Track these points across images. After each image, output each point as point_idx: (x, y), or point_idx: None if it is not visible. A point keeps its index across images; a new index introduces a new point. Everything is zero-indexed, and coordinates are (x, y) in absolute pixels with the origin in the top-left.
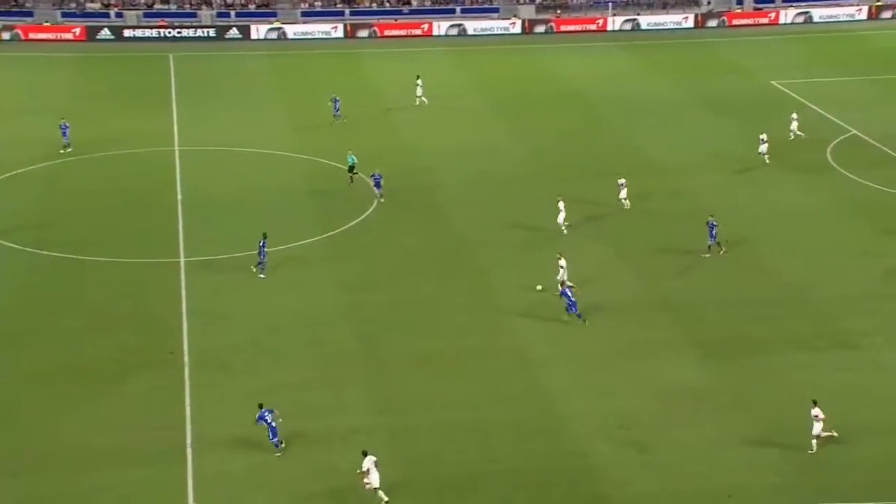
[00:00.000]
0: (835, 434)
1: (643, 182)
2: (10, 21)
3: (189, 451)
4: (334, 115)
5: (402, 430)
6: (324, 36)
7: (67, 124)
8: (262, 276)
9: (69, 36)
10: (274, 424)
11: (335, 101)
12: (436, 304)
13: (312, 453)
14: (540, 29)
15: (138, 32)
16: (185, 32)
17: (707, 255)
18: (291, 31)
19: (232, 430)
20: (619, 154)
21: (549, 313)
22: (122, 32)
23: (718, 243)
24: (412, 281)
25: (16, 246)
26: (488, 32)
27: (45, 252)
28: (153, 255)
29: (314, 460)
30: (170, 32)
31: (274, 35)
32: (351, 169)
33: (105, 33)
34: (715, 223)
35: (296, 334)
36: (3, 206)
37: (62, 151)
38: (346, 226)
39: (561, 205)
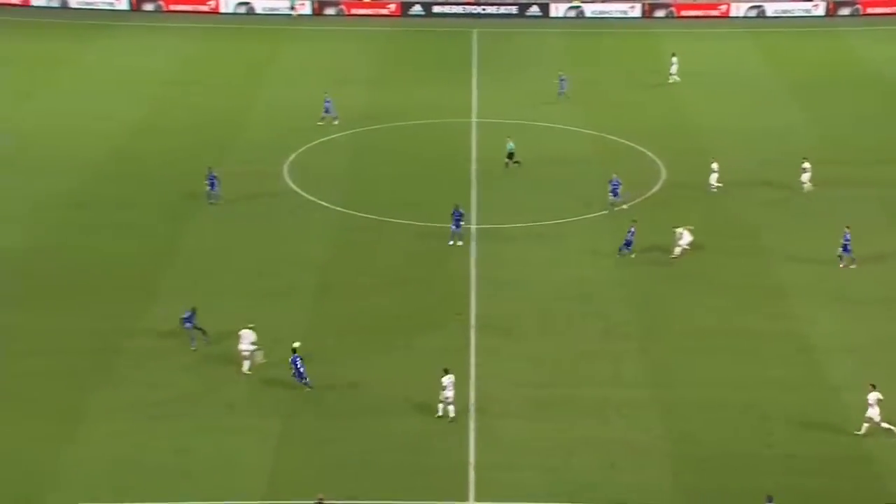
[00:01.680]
0: None
1: None
2: None
3: (471, 410)
4: (559, 94)
5: (675, 405)
6: (621, 15)
7: (330, 99)
8: (459, 242)
9: (385, 11)
10: (302, 370)
11: (561, 80)
12: (712, 281)
13: (585, 421)
14: (845, 11)
15: (446, 9)
16: (488, 9)
17: None
18: (589, 9)
19: (513, 392)
20: None
21: (834, 296)
22: (431, 8)
23: None
24: (692, 256)
25: (330, 206)
26: (788, 14)
27: (352, 212)
28: (447, 221)
29: (585, 427)
30: (475, 9)
31: (573, 14)
32: (510, 156)
33: (417, 9)
34: None
35: (577, 305)
36: (320, 168)
37: (319, 123)
38: (634, 202)
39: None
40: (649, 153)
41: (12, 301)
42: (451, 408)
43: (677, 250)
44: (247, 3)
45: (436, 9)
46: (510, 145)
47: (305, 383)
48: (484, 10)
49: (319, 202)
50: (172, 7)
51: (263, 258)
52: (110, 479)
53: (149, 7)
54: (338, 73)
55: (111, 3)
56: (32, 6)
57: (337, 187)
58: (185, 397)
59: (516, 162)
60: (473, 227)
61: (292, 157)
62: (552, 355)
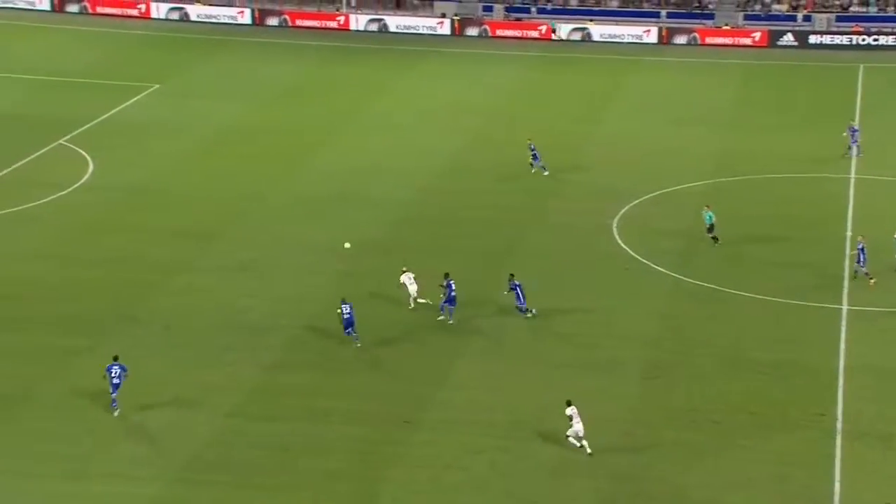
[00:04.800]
0: None
1: None
2: (689, 24)
3: None
4: (849, 148)
5: None
6: None
7: (534, 146)
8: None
9: (747, 41)
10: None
11: (852, 130)
12: None
13: None
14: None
15: (825, 38)
16: (881, 39)
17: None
18: None
19: None
20: None
21: None
22: (807, 38)
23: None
24: None
25: (665, 270)
26: None
27: (690, 280)
28: (808, 297)
29: None
30: (863, 39)
31: None
32: (710, 229)
33: (788, 39)
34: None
35: None
36: (656, 223)
37: (533, 171)
38: None
39: None
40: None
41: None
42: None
43: None
44: (583, 29)
45: (812, 38)
46: (709, 216)
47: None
48: (876, 40)
49: (653, 266)
50: (499, 33)
51: (582, 325)
52: None
53: (472, 32)
54: (683, 111)
55: (433, 28)
56: (352, 30)
57: (674, 248)
58: None
59: (714, 238)
60: (845, 307)
61: (626, 208)
62: None
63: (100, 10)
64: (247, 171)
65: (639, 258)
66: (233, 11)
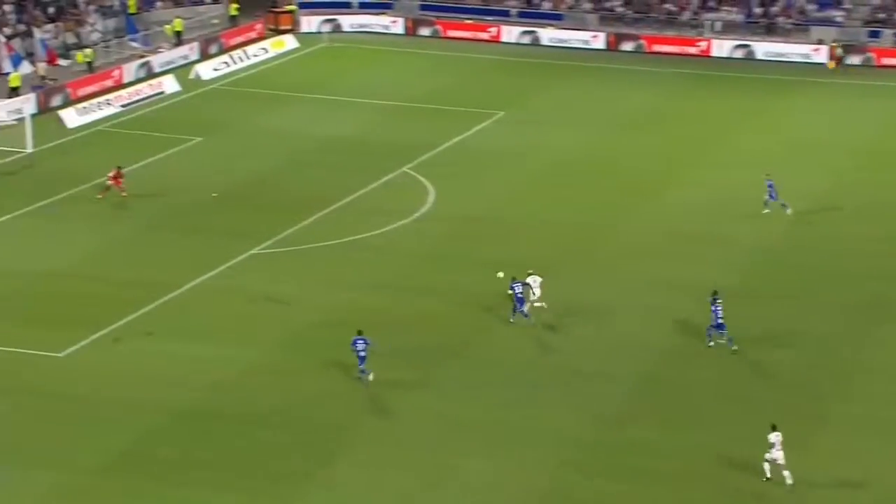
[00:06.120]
0: None
1: None
2: None
3: None
4: None
5: None
6: None
7: (772, 181)
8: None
9: None
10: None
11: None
12: None
13: None
14: None
15: None
16: None
17: None
18: None
19: None
20: None
21: None
22: None
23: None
24: None
25: None
26: None
27: None
28: None
29: None
30: None
31: None
32: None
33: None
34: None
35: None
36: None
37: (765, 212)
38: None
39: None
40: None
41: None
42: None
43: None
44: None
45: None
46: None
47: None
48: None
49: None
50: (885, 61)
51: None
52: None
53: (854, 61)
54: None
55: (807, 56)
56: (714, 56)
57: None
58: None
59: None
60: None
61: None
62: None
63: (451, 33)
64: (590, 203)
65: None
66: (586, 36)
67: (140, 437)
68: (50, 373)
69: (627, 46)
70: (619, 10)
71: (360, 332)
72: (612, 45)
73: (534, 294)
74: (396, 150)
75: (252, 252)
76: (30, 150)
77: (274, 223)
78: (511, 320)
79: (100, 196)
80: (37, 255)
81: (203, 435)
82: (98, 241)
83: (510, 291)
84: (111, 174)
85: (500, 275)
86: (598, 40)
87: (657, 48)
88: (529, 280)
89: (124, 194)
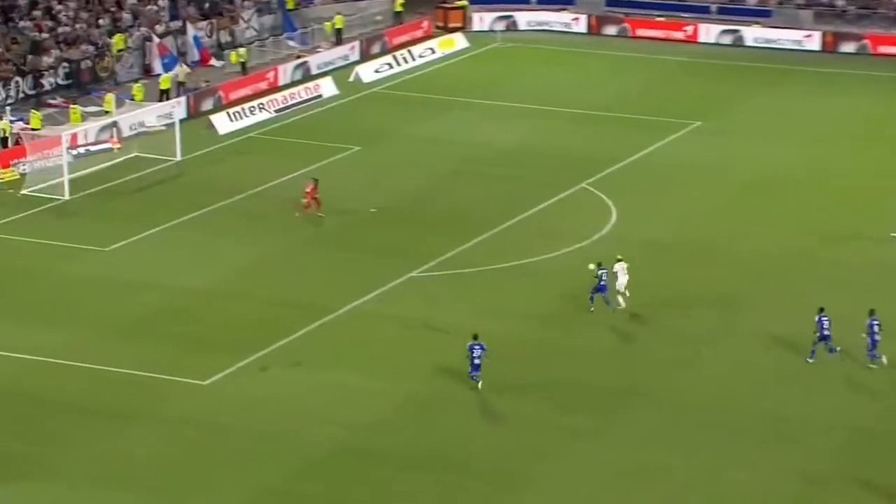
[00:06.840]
0: None
1: None
2: None
3: None
4: None
5: None
6: None
7: None
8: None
9: None
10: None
11: None
12: None
13: None
14: None
15: None
16: None
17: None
18: None
19: None
20: None
21: None
22: None
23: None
24: None
25: None
26: None
27: None
28: None
29: None
30: None
31: None
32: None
33: None
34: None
35: None
36: None
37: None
38: None
39: None
40: None
41: None
42: None
43: None
44: None
45: None
46: None
47: None
48: None
49: None
50: None
51: None
52: None
53: None
54: None
55: None
56: None
57: None
58: None
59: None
60: None
61: None
62: None
63: (640, 32)
64: (795, 227)
65: None
66: (798, 35)
67: (289, 473)
68: (194, 402)
69: (848, 48)
70: (840, 4)
71: (475, 337)
72: (830, 46)
73: (618, 281)
74: (575, 163)
75: (411, 275)
76: (179, 158)
77: (436, 242)
78: (591, 309)
79: (298, 214)
80: (185, 269)
81: (355, 474)
82: (248, 257)
83: (595, 277)
84: (308, 189)
85: (592, 266)
86: (812, 40)
87: (883, 49)
88: (617, 267)
89: (321, 214)
